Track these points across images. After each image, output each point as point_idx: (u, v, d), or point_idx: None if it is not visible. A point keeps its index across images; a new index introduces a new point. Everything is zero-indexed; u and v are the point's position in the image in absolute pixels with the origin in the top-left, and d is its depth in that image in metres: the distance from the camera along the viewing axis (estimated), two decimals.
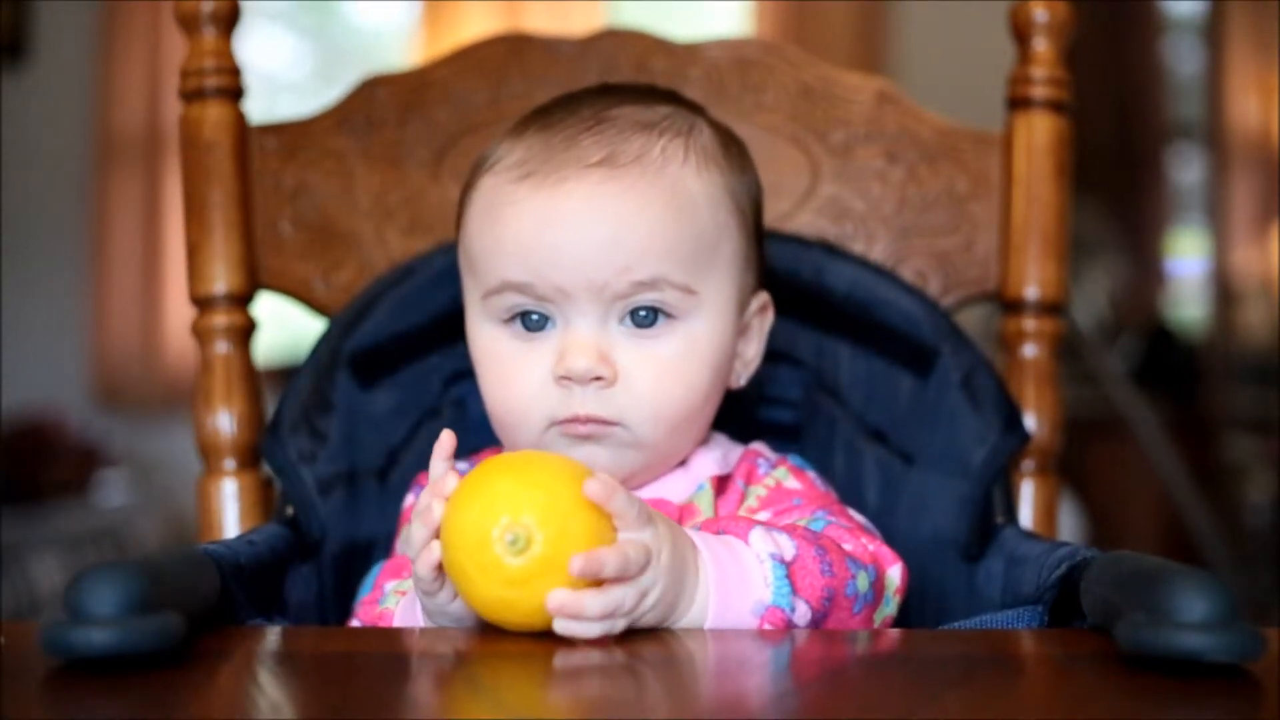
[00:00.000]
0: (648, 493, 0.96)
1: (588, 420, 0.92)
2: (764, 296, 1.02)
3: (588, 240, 0.91)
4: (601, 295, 0.91)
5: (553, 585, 0.76)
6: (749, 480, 0.99)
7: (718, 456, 1.00)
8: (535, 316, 0.93)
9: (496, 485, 0.79)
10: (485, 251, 0.94)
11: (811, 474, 1.00)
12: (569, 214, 0.91)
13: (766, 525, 0.86)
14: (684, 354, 0.93)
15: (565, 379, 0.92)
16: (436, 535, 0.79)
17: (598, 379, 0.91)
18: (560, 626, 0.76)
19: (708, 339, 0.95)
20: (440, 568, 0.80)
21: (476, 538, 0.77)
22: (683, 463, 0.99)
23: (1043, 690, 0.73)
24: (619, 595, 0.77)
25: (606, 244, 0.91)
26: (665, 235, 0.92)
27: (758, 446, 1.03)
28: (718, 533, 0.85)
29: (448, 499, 0.79)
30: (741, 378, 1.01)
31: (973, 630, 0.86)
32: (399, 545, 1.01)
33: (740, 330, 0.99)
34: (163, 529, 3.87)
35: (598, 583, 0.77)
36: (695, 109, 1.01)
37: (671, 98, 1.01)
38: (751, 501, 0.97)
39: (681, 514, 0.95)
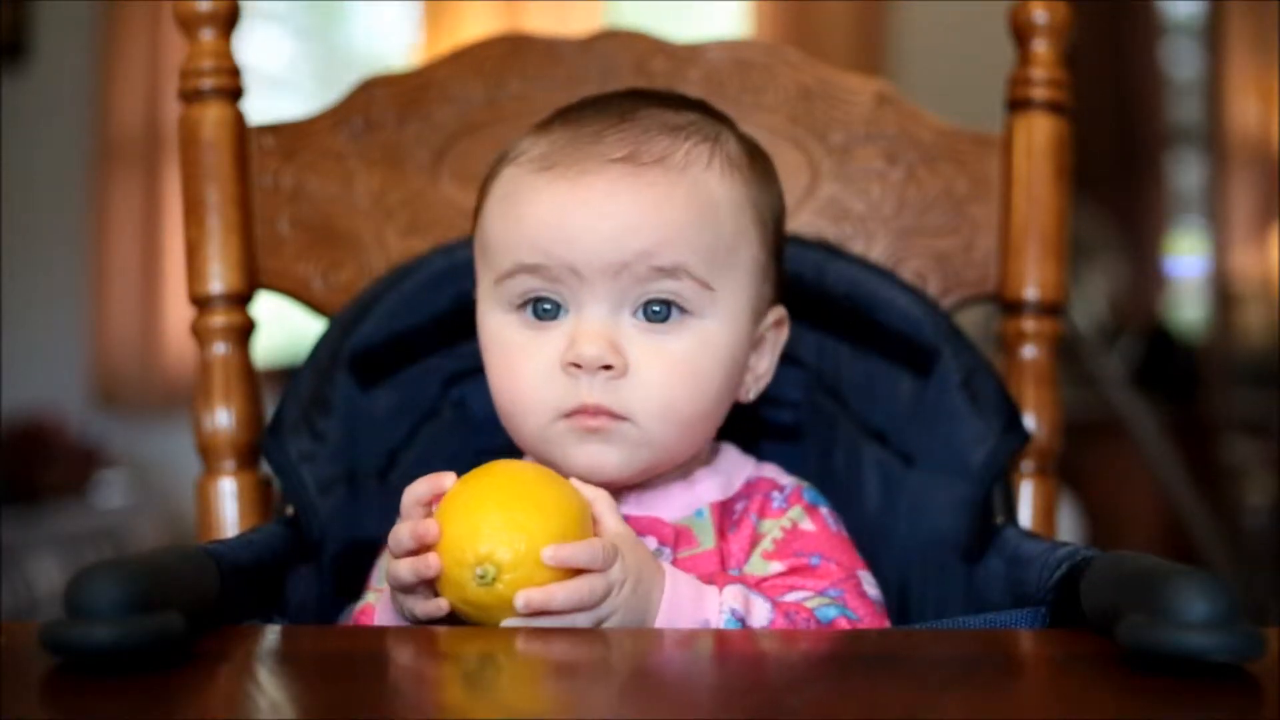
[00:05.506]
0: (642, 510, 0.95)
1: (596, 411, 0.90)
2: (780, 311, 1.01)
3: (608, 223, 0.90)
4: (618, 280, 0.90)
5: (511, 616, 0.81)
6: (762, 514, 0.98)
7: (721, 480, 0.99)
8: (547, 305, 0.92)
9: (484, 514, 0.83)
10: (501, 236, 0.94)
11: (824, 510, 0.99)
12: (589, 201, 0.91)
13: (768, 598, 0.89)
14: (696, 352, 0.92)
15: (574, 365, 0.90)
16: (428, 547, 0.83)
17: (607, 368, 0.90)
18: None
19: (720, 341, 0.94)
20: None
21: (454, 557, 0.82)
22: (685, 477, 0.98)
23: (1043, 690, 0.73)
24: (576, 620, 0.82)
25: (626, 228, 0.90)
26: (685, 228, 0.91)
27: (770, 474, 1.02)
28: (708, 580, 0.89)
29: (443, 501, 0.84)
30: (751, 391, 1.00)
31: (973, 630, 0.86)
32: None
33: (755, 342, 0.99)
34: (162, 530, 3.87)
35: None
36: (722, 119, 1.00)
37: (699, 106, 1.01)
38: (767, 544, 0.96)
39: (677, 537, 0.95)
